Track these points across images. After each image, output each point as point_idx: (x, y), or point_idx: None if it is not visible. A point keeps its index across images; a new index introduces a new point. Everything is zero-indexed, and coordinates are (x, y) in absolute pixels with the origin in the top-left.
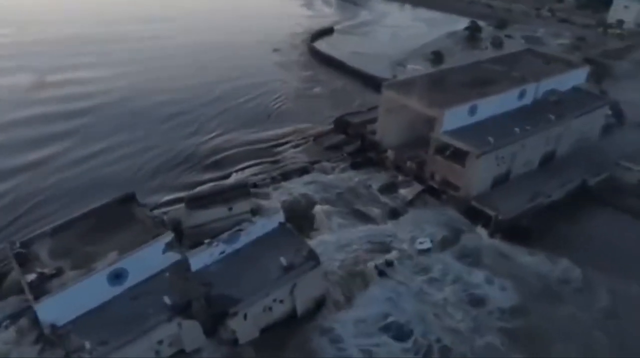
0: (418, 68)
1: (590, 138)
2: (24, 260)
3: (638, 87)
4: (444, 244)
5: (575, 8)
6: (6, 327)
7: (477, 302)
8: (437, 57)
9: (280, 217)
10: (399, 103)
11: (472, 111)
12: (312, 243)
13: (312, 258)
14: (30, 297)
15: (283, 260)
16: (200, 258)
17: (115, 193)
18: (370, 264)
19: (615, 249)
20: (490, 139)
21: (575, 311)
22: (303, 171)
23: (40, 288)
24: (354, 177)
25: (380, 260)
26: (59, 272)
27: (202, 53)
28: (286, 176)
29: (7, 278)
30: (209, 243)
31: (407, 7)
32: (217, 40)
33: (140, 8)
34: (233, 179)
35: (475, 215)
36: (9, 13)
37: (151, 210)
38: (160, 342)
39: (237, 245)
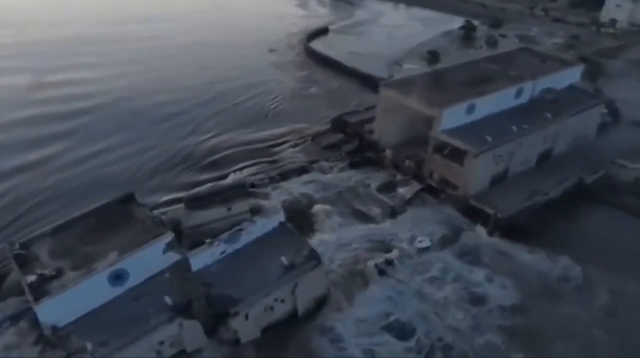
0: (414, 67)
1: (587, 136)
2: (24, 261)
3: (632, 85)
4: (444, 243)
5: (568, 7)
6: (6, 329)
7: (478, 300)
8: (433, 56)
9: (280, 217)
10: (396, 102)
11: (470, 110)
12: (312, 242)
13: (313, 257)
14: (30, 298)
15: (284, 260)
16: (200, 258)
17: (114, 193)
18: (371, 263)
19: (612, 247)
20: (488, 138)
21: (575, 309)
22: (302, 171)
23: (40, 290)
24: (353, 177)
25: (380, 259)
26: (59, 273)
27: (202, 53)
28: (285, 176)
29: (7, 279)
30: (210, 243)
31: (402, 6)
32: (216, 40)
33: (140, 8)
34: (231, 179)
35: (474, 214)
36: (9, 13)
37: (151, 210)
38: (161, 343)
39: (238, 245)
